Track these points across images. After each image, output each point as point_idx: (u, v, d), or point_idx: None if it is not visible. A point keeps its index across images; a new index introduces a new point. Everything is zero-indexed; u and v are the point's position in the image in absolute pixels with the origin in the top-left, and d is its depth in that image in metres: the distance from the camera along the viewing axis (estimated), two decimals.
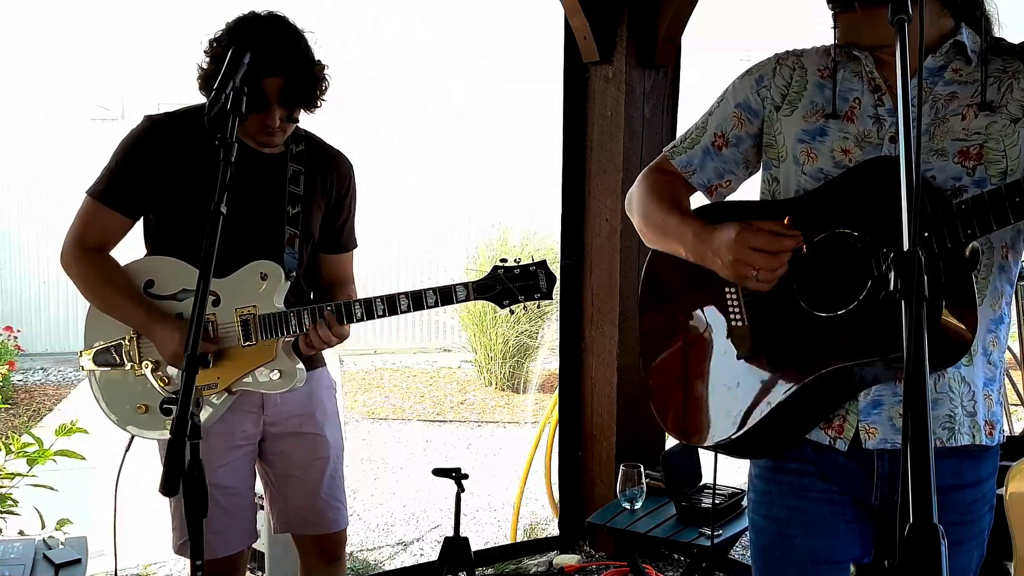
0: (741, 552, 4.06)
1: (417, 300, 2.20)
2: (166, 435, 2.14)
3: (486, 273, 2.24)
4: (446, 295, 2.21)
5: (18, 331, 8.48)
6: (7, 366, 7.61)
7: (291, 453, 2.40)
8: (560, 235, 4.00)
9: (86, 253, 2.25)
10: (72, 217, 2.29)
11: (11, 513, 2.95)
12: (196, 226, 2.13)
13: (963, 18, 1.52)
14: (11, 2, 9.16)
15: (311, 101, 2.19)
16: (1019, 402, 4.94)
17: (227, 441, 2.30)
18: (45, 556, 2.40)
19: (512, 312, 2.30)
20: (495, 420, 7.60)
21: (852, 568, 1.73)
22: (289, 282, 2.27)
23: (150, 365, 2.25)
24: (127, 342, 2.27)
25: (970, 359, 1.49)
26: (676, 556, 3.89)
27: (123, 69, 9.46)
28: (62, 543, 2.46)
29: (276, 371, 2.24)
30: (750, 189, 1.77)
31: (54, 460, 2.93)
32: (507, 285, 2.22)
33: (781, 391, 1.53)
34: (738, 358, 1.61)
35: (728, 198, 1.77)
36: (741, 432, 1.57)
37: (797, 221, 1.55)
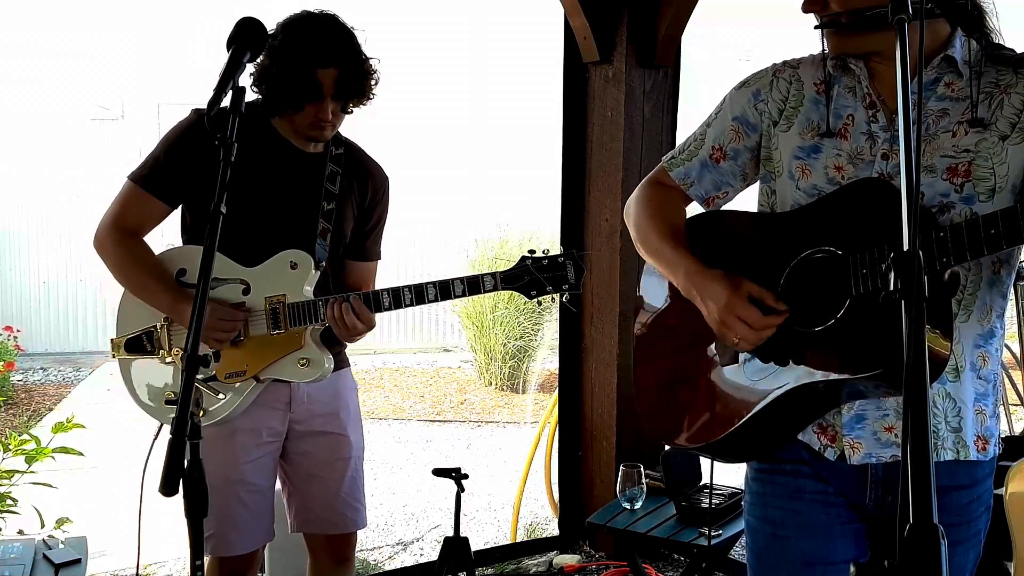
0: (741, 552, 4.06)
1: (445, 289, 2.20)
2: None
3: (514, 263, 2.24)
4: (473, 284, 2.21)
5: (18, 331, 8.48)
6: (7, 366, 7.60)
7: (314, 452, 2.42)
8: (560, 235, 4.00)
9: (122, 236, 2.28)
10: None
11: (10, 512, 2.95)
12: (231, 219, 2.17)
13: (959, 22, 1.49)
14: (12, 2, 9.16)
15: (363, 93, 2.25)
16: (1019, 402, 4.94)
17: (255, 437, 2.33)
18: (45, 556, 2.40)
19: (540, 304, 2.28)
20: (495, 420, 7.59)
21: (852, 568, 1.73)
22: (318, 272, 2.30)
23: (180, 352, 2.26)
24: (158, 329, 2.29)
25: (956, 375, 1.49)
26: (676, 556, 3.89)
27: (123, 69, 9.45)
28: (62, 543, 2.46)
29: (304, 359, 2.26)
30: (748, 196, 1.78)
31: (53, 458, 2.92)
32: (535, 275, 2.22)
33: (759, 400, 1.54)
34: (722, 365, 1.62)
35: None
36: (720, 437, 1.59)
37: (784, 237, 1.57)
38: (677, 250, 1.67)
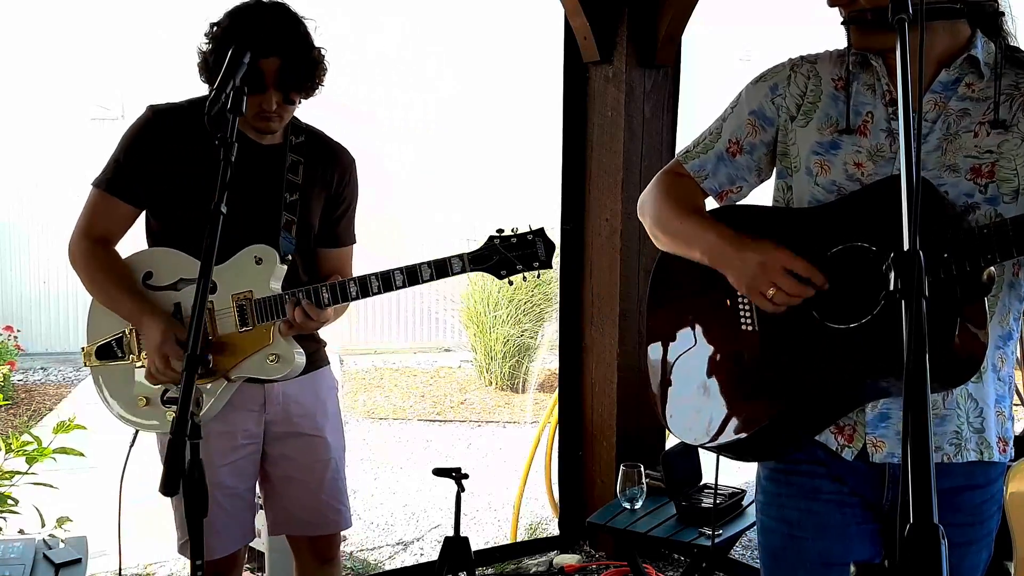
0: (741, 552, 4.06)
1: (412, 274, 2.16)
2: (165, 428, 2.16)
3: (482, 243, 2.19)
4: (441, 268, 2.16)
5: (18, 331, 8.48)
6: (7, 366, 7.61)
7: (293, 455, 2.39)
8: (560, 235, 4.00)
9: (90, 245, 2.26)
10: (78, 212, 2.31)
11: (11, 512, 2.95)
12: (195, 218, 2.16)
13: (979, 24, 1.50)
14: (11, 2, 9.16)
15: (307, 85, 2.17)
16: (1019, 402, 4.95)
17: (229, 440, 2.29)
18: (45, 556, 2.40)
19: (511, 283, 2.24)
20: (495, 420, 7.60)
21: (852, 568, 1.72)
22: (285, 266, 2.26)
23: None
24: (127, 335, 2.27)
25: (979, 376, 1.49)
26: (676, 556, 3.89)
27: (123, 69, 9.45)
28: (62, 543, 2.45)
29: (273, 355, 2.22)
30: (760, 194, 1.77)
31: (54, 458, 2.93)
32: (504, 255, 2.17)
33: (786, 398, 1.53)
34: (746, 363, 1.61)
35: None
36: (744, 436, 1.57)
37: (814, 232, 1.55)
38: (703, 222, 1.65)
